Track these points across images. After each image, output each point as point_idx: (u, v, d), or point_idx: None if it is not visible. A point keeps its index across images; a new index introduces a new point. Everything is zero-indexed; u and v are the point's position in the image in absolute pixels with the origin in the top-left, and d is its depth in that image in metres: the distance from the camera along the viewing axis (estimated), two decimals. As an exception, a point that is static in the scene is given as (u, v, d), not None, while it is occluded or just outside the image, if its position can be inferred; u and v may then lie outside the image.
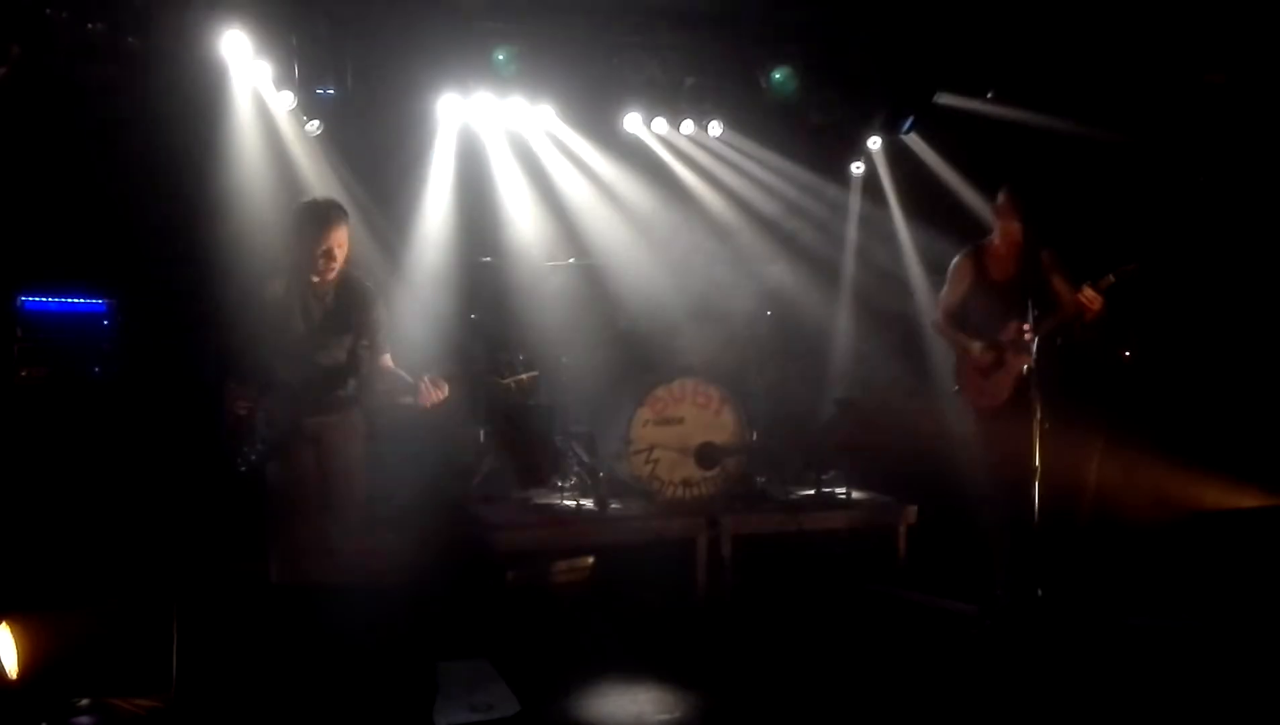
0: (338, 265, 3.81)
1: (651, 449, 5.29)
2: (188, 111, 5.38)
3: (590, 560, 5.07)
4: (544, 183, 6.34)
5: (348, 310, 3.83)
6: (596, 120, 6.17)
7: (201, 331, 4.47)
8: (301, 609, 2.99)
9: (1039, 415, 4.80)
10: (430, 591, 3.15)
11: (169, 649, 2.78)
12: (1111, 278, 4.18)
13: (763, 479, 5.74)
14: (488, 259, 6.08)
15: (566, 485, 5.47)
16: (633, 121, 6.14)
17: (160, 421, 5.21)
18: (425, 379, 3.64)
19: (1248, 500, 5.10)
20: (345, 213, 3.91)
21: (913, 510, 5.54)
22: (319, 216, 3.82)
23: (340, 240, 3.80)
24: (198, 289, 5.34)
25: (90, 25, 4.99)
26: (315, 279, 3.81)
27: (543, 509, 5.26)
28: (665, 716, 3.64)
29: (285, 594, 3.05)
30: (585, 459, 5.68)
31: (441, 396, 3.65)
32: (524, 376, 5.77)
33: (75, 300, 5.16)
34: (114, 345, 5.18)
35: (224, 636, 2.88)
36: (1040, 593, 4.62)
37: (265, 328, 3.79)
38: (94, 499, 4.79)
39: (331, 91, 5.53)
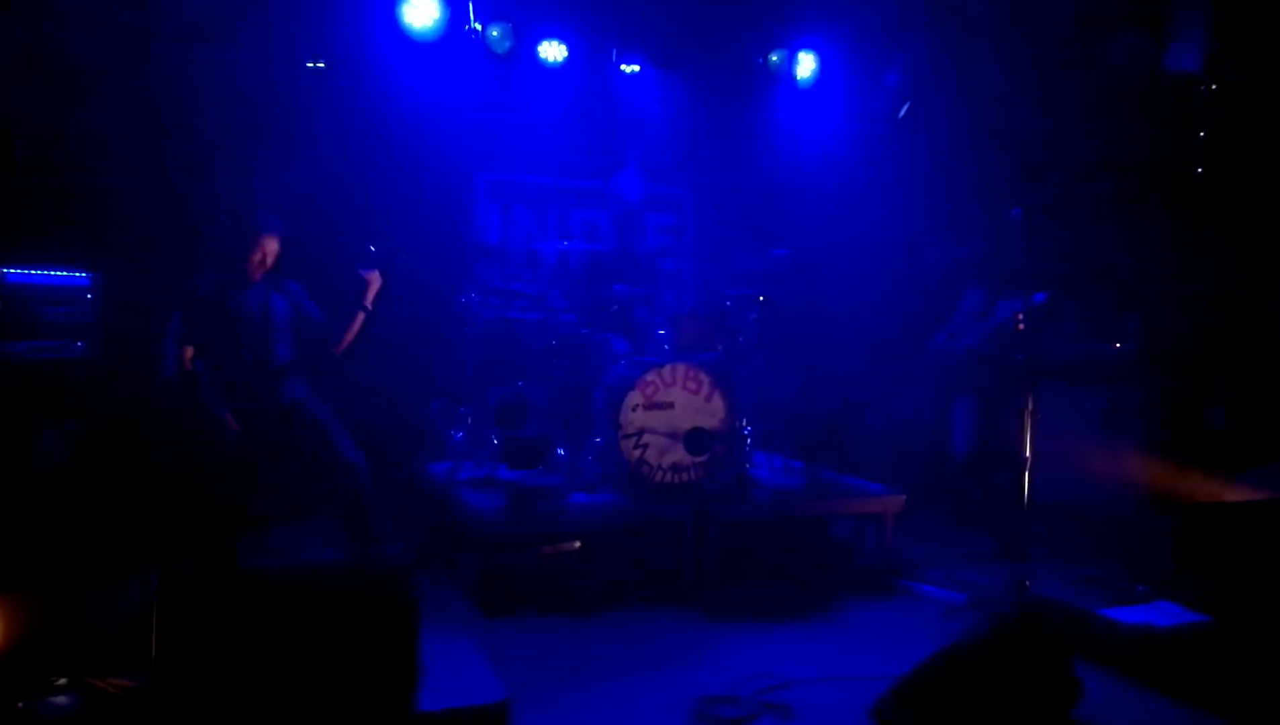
0: None
1: (641, 434, 5.26)
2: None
3: (577, 544, 5.05)
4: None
5: None
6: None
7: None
8: (282, 590, 2.94)
9: (1030, 405, 4.84)
10: (414, 573, 3.10)
11: (149, 629, 2.74)
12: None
13: (751, 466, 5.72)
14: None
15: (553, 468, 5.45)
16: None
17: (144, 397, 5.16)
18: None
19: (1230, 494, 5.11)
20: None
21: (900, 499, 5.53)
22: None
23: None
24: (185, 266, 5.30)
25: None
26: None
27: (530, 493, 5.22)
28: (646, 698, 3.64)
29: (264, 574, 3.01)
30: (573, 443, 5.65)
31: None
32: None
33: (58, 273, 5.08)
34: (98, 320, 5.12)
35: (205, 617, 2.84)
36: (1028, 584, 4.65)
37: None
38: (76, 474, 4.74)
39: None
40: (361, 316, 4.55)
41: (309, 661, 2.91)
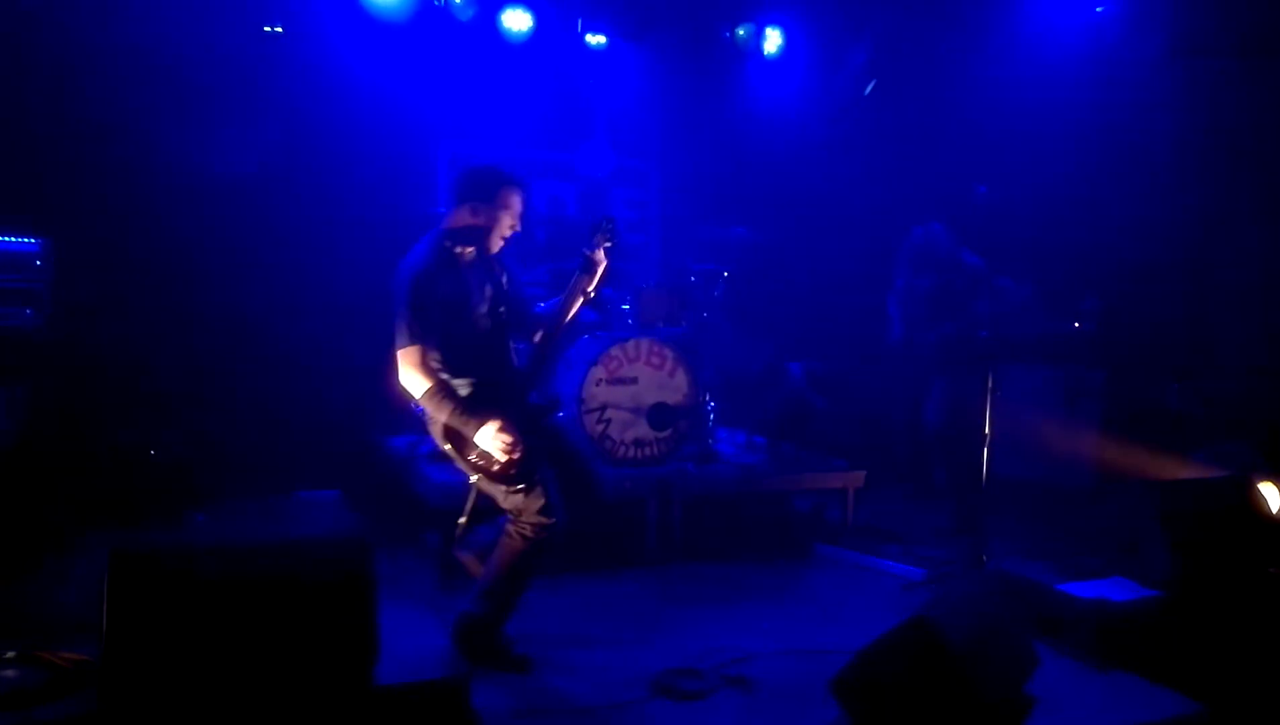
0: None
1: (604, 408, 5.24)
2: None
3: (539, 519, 5.01)
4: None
5: None
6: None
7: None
8: (236, 564, 2.89)
9: (991, 383, 4.89)
10: (373, 548, 3.06)
11: (100, 602, 2.68)
12: None
13: (714, 441, 5.72)
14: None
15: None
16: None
17: (95, 369, 5.06)
18: None
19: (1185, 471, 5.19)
20: None
21: (861, 475, 5.56)
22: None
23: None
24: (141, 234, 5.19)
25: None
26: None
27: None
28: (608, 672, 3.64)
29: (218, 548, 2.95)
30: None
31: None
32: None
33: (7, 240, 4.94)
34: (47, 287, 4.99)
35: (157, 591, 2.78)
36: (985, 559, 4.69)
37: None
38: (24, 443, 4.64)
39: None
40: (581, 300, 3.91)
41: (264, 636, 2.86)
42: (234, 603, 2.84)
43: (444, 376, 3.52)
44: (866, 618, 4.07)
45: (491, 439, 3.45)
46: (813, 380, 6.12)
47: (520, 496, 3.56)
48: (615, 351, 5.31)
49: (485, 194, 3.65)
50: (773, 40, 7.24)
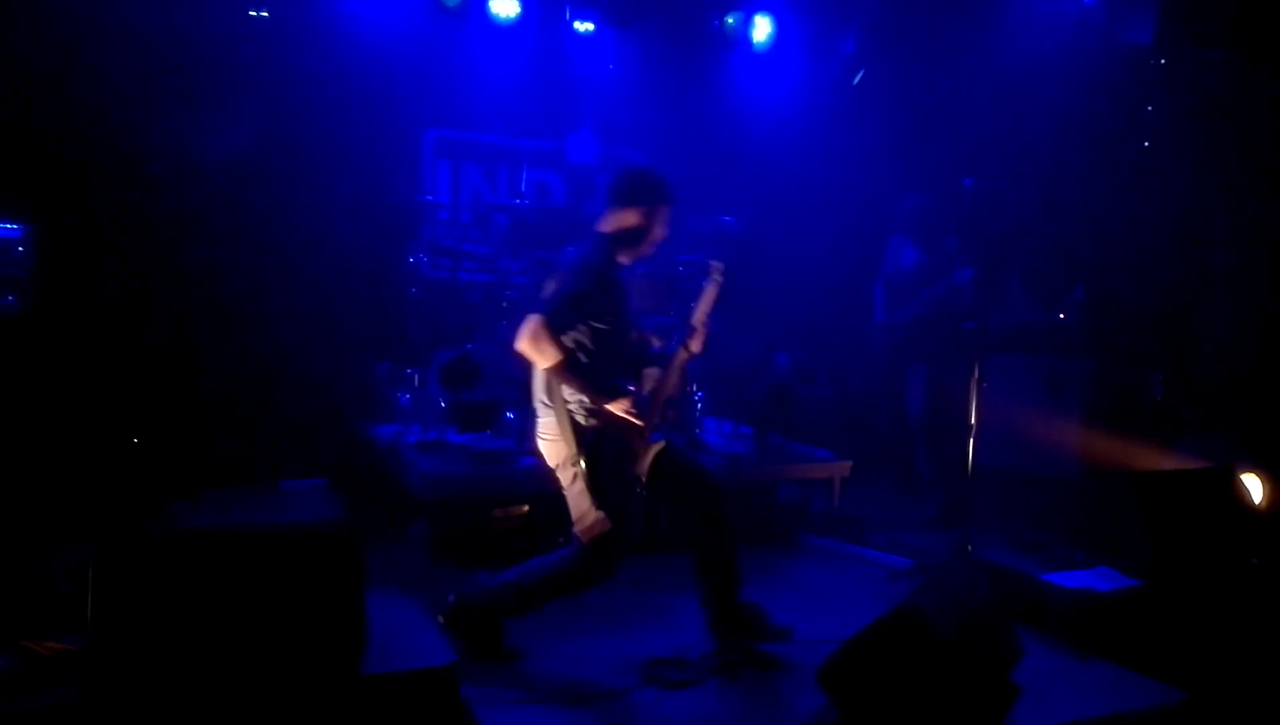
0: None
1: (591, 397, 5.22)
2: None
3: (525, 508, 5.02)
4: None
5: None
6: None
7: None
8: (223, 551, 2.88)
9: (977, 373, 4.91)
10: (360, 536, 3.05)
11: (85, 592, 2.66)
12: None
13: (701, 431, 5.72)
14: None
15: (503, 431, 5.39)
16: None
17: (78, 356, 5.01)
18: None
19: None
20: None
21: (847, 465, 5.57)
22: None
23: None
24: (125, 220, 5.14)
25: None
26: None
27: (479, 457, 5.17)
28: (597, 661, 3.64)
29: (205, 535, 2.94)
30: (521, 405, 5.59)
31: None
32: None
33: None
34: (30, 273, 4.94)
35: (143, 578, 2.77)
36: (970, 548, 4.72)
37: None
38: (5, 430, 4.59)
39: None
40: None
41: (251, 624, 2.85)
42: (221, 590, 2.83)
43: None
44: (852, 607, 4.09)
45: (623, 409, 3.41)
46: (800, 370, 6.13)
47: (592, 515, 3.45)
48: (603, 340, 5.29)
49: (648, 198, 3.60)
50: (762, 28, 7.22)
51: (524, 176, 6.31)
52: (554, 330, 3.36)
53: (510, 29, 6.72)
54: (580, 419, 3.50)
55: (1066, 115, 6.06)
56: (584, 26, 6.94)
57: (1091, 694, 3.55)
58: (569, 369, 3.41)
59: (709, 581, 3.75)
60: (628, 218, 3.58)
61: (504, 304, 5.75)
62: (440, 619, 3.62)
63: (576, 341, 3.45)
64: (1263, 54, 5.37)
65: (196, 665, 2.77)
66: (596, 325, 3.48)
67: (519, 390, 5.67)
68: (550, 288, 3.51)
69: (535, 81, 6.94)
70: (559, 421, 3.50)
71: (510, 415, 5.51)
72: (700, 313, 3.72)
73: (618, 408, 3.44)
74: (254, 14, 5.95)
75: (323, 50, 6.16)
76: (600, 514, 3.43)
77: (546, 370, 3.43)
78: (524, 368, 5.67)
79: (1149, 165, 5.78)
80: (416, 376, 5.73)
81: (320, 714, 2.89)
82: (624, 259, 3.62)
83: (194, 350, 5.79)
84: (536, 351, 3.38)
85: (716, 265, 3.73)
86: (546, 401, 3.56)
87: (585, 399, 3.46)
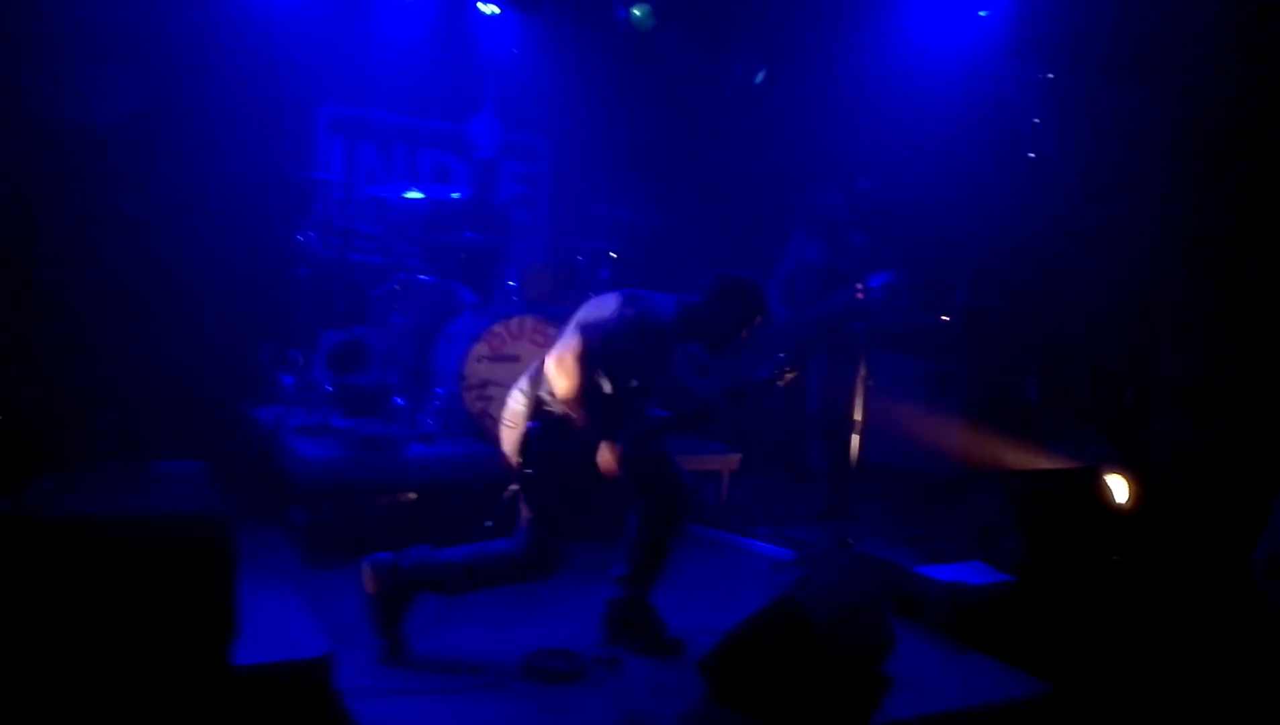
0: None
1: (485, 386, 5.17)
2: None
3: (413, 496, 4.94)
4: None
5: None
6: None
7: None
8: (84, 538, 2.74)
9: (863, 372, 5.02)
10: (235, 524, 2.94)
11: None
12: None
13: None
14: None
15: (390, 417, 5.29)
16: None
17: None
18: None
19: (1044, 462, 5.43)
20: None
21: (736, 458, 5.64)
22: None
23: None
24: None
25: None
26: None
27: (365, 442, 5.06)
28: (479, 651, 3.61)
29: (65, 522, 2.80)
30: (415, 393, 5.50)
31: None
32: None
33: None
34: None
35: (4, 562, 2.63)
36: (851, 542, 4.83)
37: None
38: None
39: None
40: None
41: (114, 614, 2.73)
42: (80, 576, 2.70)
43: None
44: (735, 597, 4.15)
45: (605, 452, 3.46)
46: (692, 363, 6.16)
47: (536, 525, 3.56)
48: (498, 328, 5.24)
49: (755, 310, 3.67)
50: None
51: (422, 157, 6.19)
52: (591, 363, 3.40)
53: (413, 6, 6.58)
54: (552, 409, 3.51)
55: (958, 122, 6.23)
56: (489, 8, 6.83)
57: (962, 685, 3.68)
58: (584, 403, 3.43)
59: (640, 567, 3.82)
60: (712, 311, 3.65)
61: (396, 287, 5.63)
62: (367, 568, 3.56)
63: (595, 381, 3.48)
64: (1142, 85, 5.61)
65: (55, 656, 2.64)
66: (620, 382, 3.51)
67: (409, 376, 5.59)
68: (605, 312, 3.51)
69: (437, 61, 6.80)
70: (528, 408, 3.53)
71: (399, 401, 5.40)
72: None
73: (608, 451, 3.49)
74: None
75: (214, 16, 5.92)
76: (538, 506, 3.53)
77: (563, 393, 3.42)
78: (417, 355, 5.60)
79: (1030, 175, 5.98)
80: (301, 357, 5.57)
81: (188, 708, 2.79)
82: (688, 339, 3.67)
83: (68, 322, 5.52)
84: (562, 371, 3.40)
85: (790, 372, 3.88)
86: (525, 389, 3.57)
87: (568, 403, 3.45)
